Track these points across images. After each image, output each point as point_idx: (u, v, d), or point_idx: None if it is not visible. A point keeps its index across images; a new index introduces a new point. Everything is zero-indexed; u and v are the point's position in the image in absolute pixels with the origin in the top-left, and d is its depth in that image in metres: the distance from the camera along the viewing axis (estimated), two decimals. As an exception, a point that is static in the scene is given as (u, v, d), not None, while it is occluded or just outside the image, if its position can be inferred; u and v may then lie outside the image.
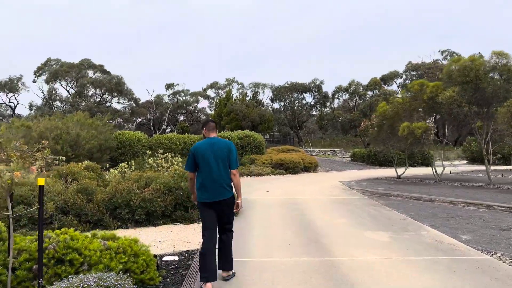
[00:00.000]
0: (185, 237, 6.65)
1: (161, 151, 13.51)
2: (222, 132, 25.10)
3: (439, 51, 54.04)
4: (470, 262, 4.95)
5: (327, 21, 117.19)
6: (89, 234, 4.36)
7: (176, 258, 5.40)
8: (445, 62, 51.96)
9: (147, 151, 21.03)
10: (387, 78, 51.57)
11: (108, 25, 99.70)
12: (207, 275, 3.96)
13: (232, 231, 4.43)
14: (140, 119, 60.65)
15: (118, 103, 53.88)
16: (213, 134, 4.36)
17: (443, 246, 5.80)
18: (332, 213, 8.62)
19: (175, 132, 42.26)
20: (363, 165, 27.75)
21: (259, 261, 5.09)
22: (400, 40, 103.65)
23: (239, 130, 25.71)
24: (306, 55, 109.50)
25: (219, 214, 4.22)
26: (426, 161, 27.87)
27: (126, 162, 12.38)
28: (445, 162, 22.37)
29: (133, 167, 11.66)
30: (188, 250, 5.81)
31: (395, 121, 16.17)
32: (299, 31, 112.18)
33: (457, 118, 13.24)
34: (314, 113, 48.00)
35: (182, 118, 59.81)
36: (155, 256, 4.51)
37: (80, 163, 10.76)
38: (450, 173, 20.16)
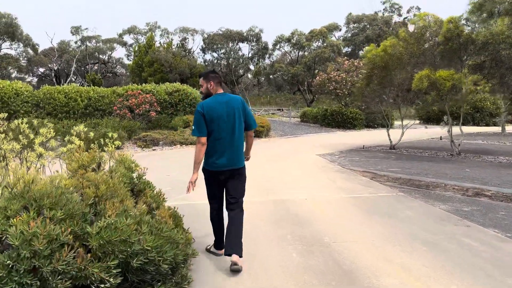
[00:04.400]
0: None
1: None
2: (144, 85, 18.81)
3: (380, 1, 50.97)
4: None
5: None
6: None
7: None
8: (386, 14, 49.20)
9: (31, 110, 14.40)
10: (327, 31, 47.47)
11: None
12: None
13: (243, 209, 3.64)
14: (42, 70, 50.12)
15: (10, 49, 43.10)
16: (221, 90, 3.57)
17: None
18: (418, 266, 3.70)
19: (85, 86, 34.21)
20: (317, 127, 23.49)
21: None
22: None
23: (167, 83, 19.61)
24: (241, 4, 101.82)
25: (227, 185, 3.60)
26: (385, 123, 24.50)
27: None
28: (399, 123, 18.70)
29: None
30: None
31: (392, 70, 11.59)
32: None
33: (504, 63, 9.05)
34: (251, 67, 42.54)
35: (95, 68, 50.46)
36: None
37: None
38: (440, 139, 16.68)
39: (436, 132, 18.49)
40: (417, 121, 30.60)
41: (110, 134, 5.83)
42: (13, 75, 47.72)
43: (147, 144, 14.70)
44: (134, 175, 4.47)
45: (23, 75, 46.68)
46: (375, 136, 18.15)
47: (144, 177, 4.61)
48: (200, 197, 6.21)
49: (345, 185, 7.27)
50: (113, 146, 5.49)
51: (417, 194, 6.65)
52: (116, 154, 4.99)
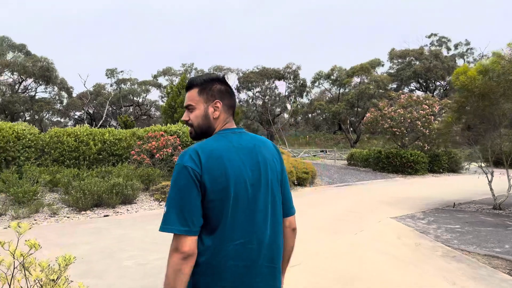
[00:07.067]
0: None
1: None
2: (168, 125, 16.39)
3: (426, 36, 47.78)
4: None
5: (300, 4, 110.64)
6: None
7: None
8: (433, 48, 45.90)
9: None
10: (369, 66, 44.54)
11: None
12: None
13: None
14: (78, 113, 50.11)
15: (44, 92, 43.14)
16: (234, 124, 1.63)
17: None
18: None
19: (118, 128, 32.82)
20: (369, 171, 19.96)
21: None
22: (378, 27, 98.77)
23: (195, 123, 17.04)
24: (276, 43, 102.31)
25: None
26: (453, 167, 20.64)
27: None
28: (472, 166, 14.57)
29: None
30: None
31: (497, 98, 8.30)
32: (268, 17, 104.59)
33: None
34: (288, 106, 39.83)
35: (130, 111, 49.88)
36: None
37: None
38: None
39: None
40: (482, 164, 26.28)
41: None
42: (54, 119, 47.96)
43: (166, 196, 11.88)
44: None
45: (58, 119, 46.64)
46: (452, 186, 14.46)
47: None
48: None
49: (488, 300, 3.93)
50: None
51: None
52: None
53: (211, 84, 1.59)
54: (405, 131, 18.67)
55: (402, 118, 18.50)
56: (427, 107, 18.71)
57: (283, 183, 1.62)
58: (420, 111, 18.46)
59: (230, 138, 1.50)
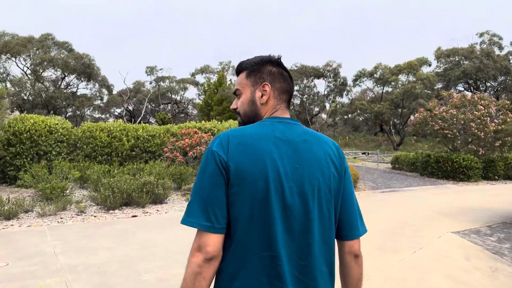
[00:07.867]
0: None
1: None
2: (203, 122, 15.83)
3: (476, 34, 44.73)
4: None
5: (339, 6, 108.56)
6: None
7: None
8: (484, 46, 42.89)
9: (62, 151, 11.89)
10: (417, 63, 42.21)
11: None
12: None
13: None
14: (119, 110, 51.22)
15: (85, 89, 44.20)
16: (287, 113, 1.38)
17: None
18: None
19: (155, 125, 32.95)
20: (417, 176, 18.47)
21: None
22: (424, 24, 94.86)
23: (230, 120, 16.47)
24: (316, 42, 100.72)
25: None
26: (510, 173, 18.76)
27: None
28: None
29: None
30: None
31: None
32: (309, 16, 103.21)
33: None
34: (327, 105, 38.43)
35: (168, 108, 50.38)
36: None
37: None
38: None
39: None
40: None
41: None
42: (96, 115, 49.35)
43: (199, 197, 11.22)
44: None
45: (100, 115, 47.82)
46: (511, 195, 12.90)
47: None
48: None
49: None
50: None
51: None
52: None
53: (261, 66, 1.39)
54: (457, 133, 17.08)
55: (454, 119, 16.93)
56: (483, 108, 17.03)
57: (342, 193, 1.32)
58: (475, 112, 16.81)
59: (274, 127, 1.27)
